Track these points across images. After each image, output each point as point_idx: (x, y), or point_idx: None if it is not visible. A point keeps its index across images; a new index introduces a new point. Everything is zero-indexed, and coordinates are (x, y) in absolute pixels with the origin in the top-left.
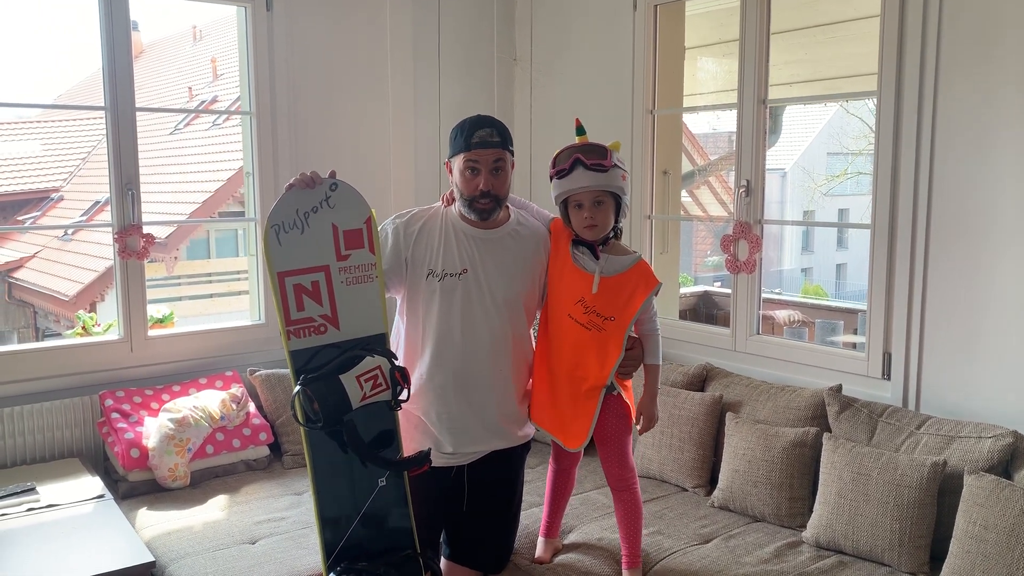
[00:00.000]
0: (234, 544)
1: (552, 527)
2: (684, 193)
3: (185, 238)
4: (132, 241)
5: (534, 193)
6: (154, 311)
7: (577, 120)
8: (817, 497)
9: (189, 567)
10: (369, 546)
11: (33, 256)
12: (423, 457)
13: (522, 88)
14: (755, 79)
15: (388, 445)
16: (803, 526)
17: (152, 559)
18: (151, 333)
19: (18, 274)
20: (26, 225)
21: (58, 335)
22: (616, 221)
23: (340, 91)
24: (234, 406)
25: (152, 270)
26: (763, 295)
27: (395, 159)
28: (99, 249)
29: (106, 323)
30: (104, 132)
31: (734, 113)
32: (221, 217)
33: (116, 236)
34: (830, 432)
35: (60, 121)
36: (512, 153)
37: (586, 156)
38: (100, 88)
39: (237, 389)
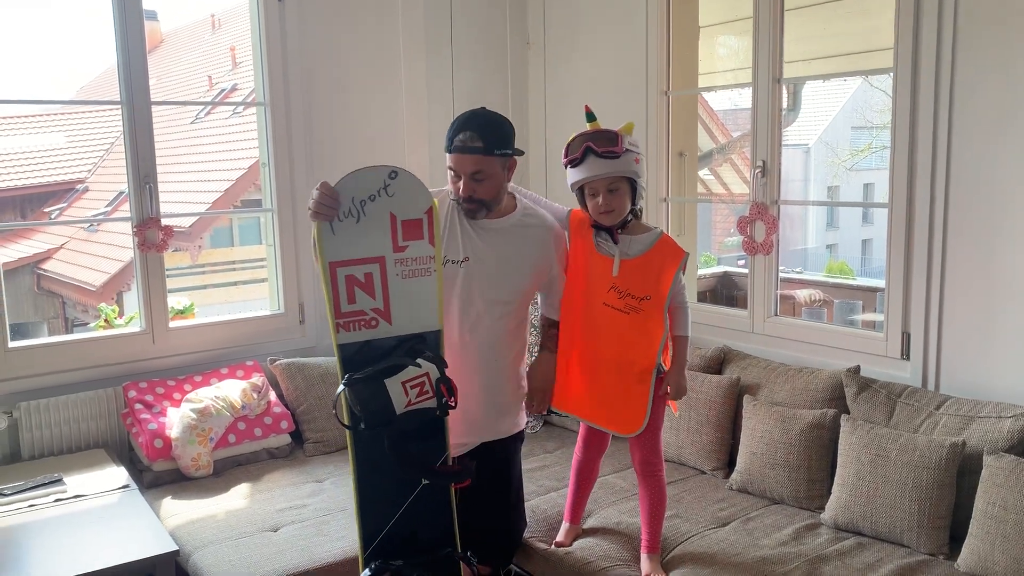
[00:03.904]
0: (257, 532)
1: (575, 513)
2: (706, 172)
3: (209, 226)
4: (151, 234)
5: (550, 179)
6: (174, 302)
7: (587, 107)
8: (835, 479)
9: (212, 555)
10: (408, 544)
11: (60, 247)
12: (467, 472)
13: (536, 72)
14: (769, 57)
15: (435, 451)
16: (821, 508)
17: (176, 548)
18: (172, 324)
19: (46, 265)
20: (50, 219)
21: (86, 325)
22: (633, 203)
23: (353, 80)
24: (255, 395)
25: (176, 259)
26: (784, 275)
27: (409, 147)
28: (124, 239)
29: (128, 315)
30: (121, 126)
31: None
32: (242, 206)
33: (135, 229)
34: (848, 414)
35: (84, 113)
36: (505, 154)
37: (597, 144)
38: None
39: (258, 378)
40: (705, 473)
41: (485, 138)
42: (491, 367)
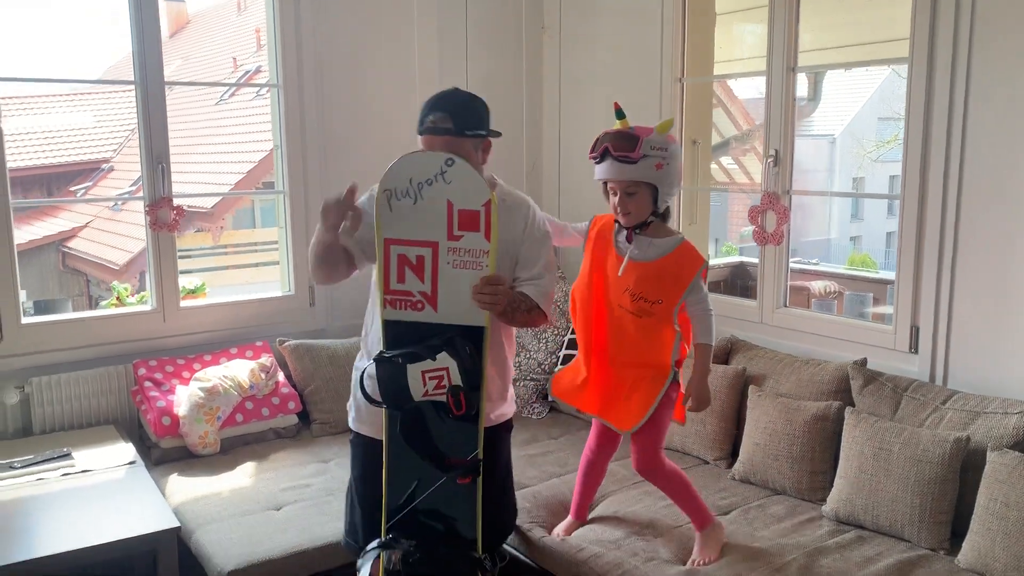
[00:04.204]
0: (259, 510)
1: (581, 510)
2: (730, 160)
3: (231, 207)
4: (163, 214)
5: (563, 165)
6: (186, 282)
7: (616, 104)
8: (837, 471)
9: (215, 532)
10: (427, 529)
11: (85, 226)
12: (474, 465)
13: (551, 57)
14: (784, 46)
15: (465, 444)
16: (823, 500)
17: (177, 524)
18: (183, 304)
19: (71, 243)
20: (75, 198)
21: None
22: (656, 207)
23: (366, 64)
24: (263, 375)
25: (199, 239)
26: (800, 266)
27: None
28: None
29: (140, 295)
30: (136, 107)
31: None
32: (263, 187)
33: (147, 209)
34: (854, 406)
35: (110, 93)
36: (478, 135)
37: (615, 147)
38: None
39: (267, 359)
40: (708, 463)
41: (456, 119)
42: None
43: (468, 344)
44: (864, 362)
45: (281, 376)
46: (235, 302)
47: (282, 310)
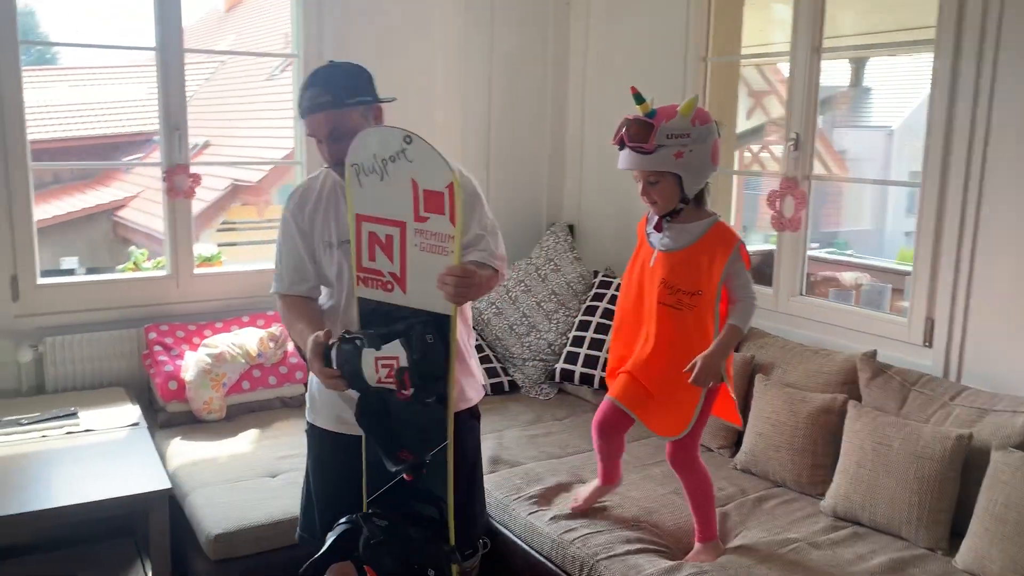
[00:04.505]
0: (254, 477)
1: (607, 472)
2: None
3: (277, 182)
4: (179, 181)
5: (586, 143)
6: (203, 250)
7: (633, 88)
8: (837, 466)
9: (208, 496)
10: (400, 511)
11: (135, 196)
12: (416, 466)
13: (577, 33)
14: (810, 26)
15: (434, 435)
16: (823, 495)
17: (168, 486)
18: (197, 271)
19: (122, 213)
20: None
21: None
22: (684, 193)
23: (388, 37)
24: (271, 344)
25: (245, 212)
26: (836, 256)
27: (443, 111)
28: (200, 192)
29: (156, 260)
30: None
31: (831, 62)
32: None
33: (164, 175)
34: (860, 399)
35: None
36: (363, 103)
37: (630, 136)
38: (210, 30)
39: (276, 328)
40: (712, 451)
41: (333, 90)
42: None
43: (431, 332)
44: (873, 354)
45: (291, 346)
46: (249, 271)
47: None
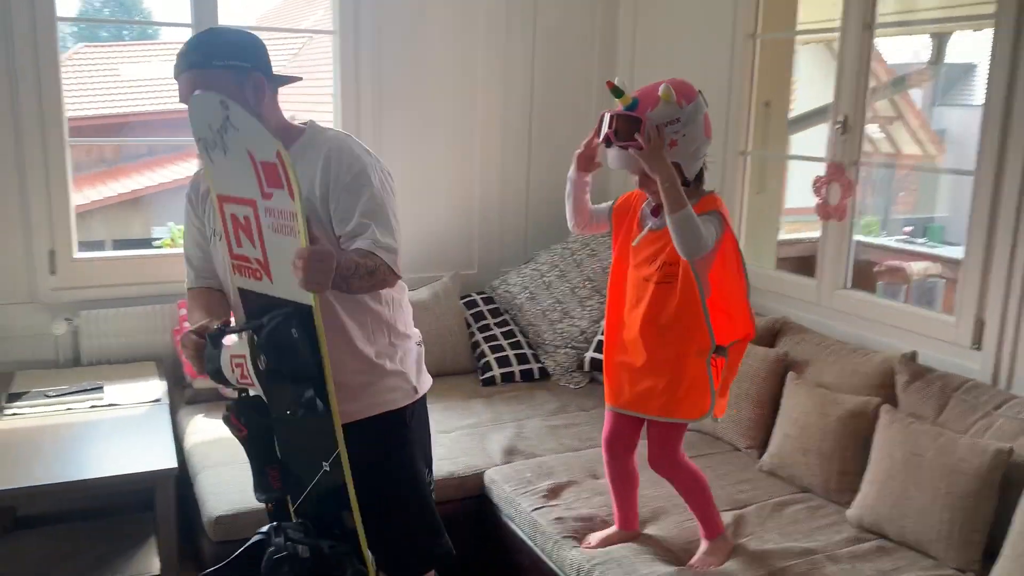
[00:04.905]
0: None
1: (622, 518)
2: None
3: None
4: None
5: None
6: None
7: (610, 83)
8: (865, 474)
9: (216, 476)
10: (319, 521)
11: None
12: (280, 496)
13: (627, 7)
14: (861, 1)
15: (324, 442)
16: (851, 504)
17: (174, 466)
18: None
19: None
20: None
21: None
22: (684, 176)
23: (428, 11)
24: None
25: None
26: (907, 246)
27: (483, 86)
28: None
29: None
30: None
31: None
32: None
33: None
34: (896, 403)
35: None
36: (235, 67)
37: (619, 136)
38: (299, 6)
39: None
40: (739, 451)
41: (201, 49)
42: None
43: (295, 326)
44: (913, 356)
45: None
46: None
47: None
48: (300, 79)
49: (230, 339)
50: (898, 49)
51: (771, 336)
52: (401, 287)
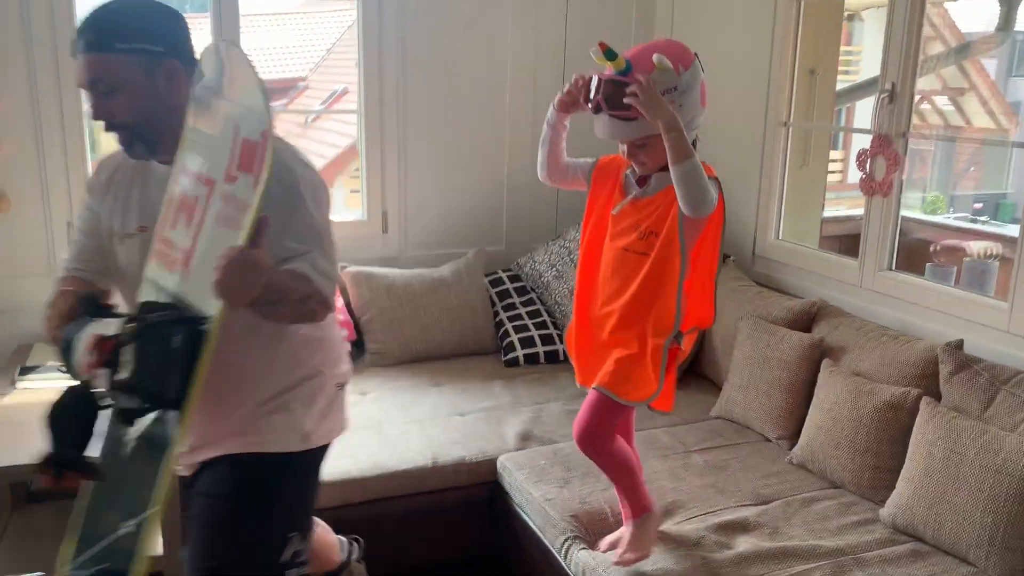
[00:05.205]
0: None
1: (631, 505)
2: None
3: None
4: None
5: None
6: None
7: (602, 44)
8: (902, 471)
9: None
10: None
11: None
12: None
13: None
14: None
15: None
16: (885, 502)
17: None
18: None
19: None
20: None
21: None
22: None
23: None
24: None
25: None
26: (969, 224)
27: (513, 51)
28: (334, 137)
29: None
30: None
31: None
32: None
33: None
34: (939, 396)
35: (313, 13)
36: (142, 52)
37: (610, 102)
38: None
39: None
40: (769, 441)
41: (101, 28)
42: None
43: (180, 335)
44: (959, 344)
45: (340, 302)
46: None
47: (353, 235)
48: (193, 62)
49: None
50: (973, 15)
51: (807, 320)
52: (330, 319)
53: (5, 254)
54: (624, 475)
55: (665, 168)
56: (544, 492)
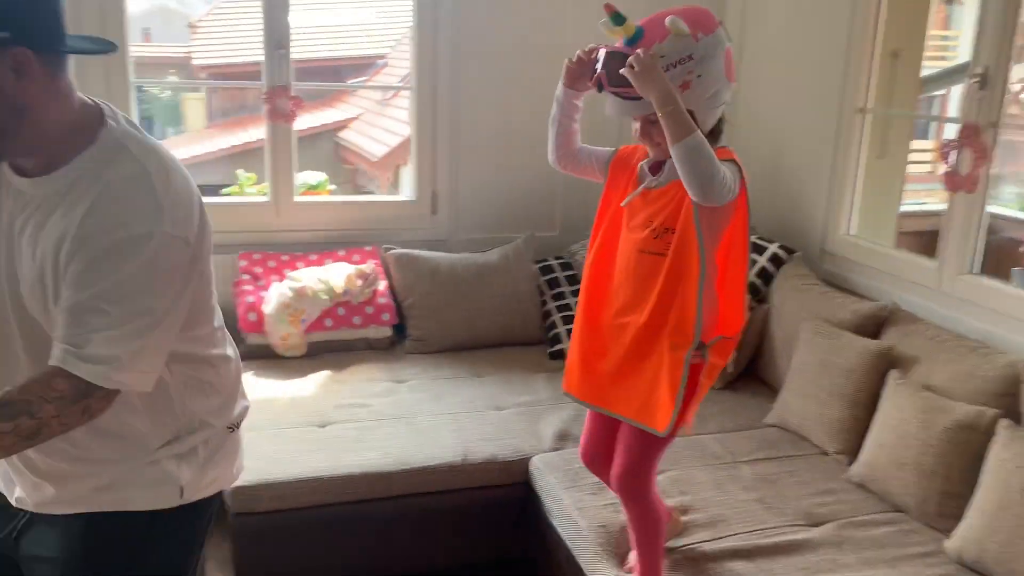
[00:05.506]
0: (304, 424)
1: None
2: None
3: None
4: (281, 104)
5: (748, 79)
6: (309, 178)
7: (608, 6)
8: (973, 499)
9: (246, 442)
10: None
11: (355, 118)
12: None
13: None
14: None
15: None
16: (951, 532)
17: None
18: (298, 199)
19: (342, 133)
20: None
21: (371, 192)
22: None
23: None
24: (359, 282)
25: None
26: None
27: (572, 27)
28: (408, 115)
29: (259, 186)
30: None
31: None
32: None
33: (265, 97)
34: (1019, 417)
35: None
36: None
37: (610, 79)
38: None
39: (368, 266)
40: (827, 455)
41: None
42: None
43: None
44: None
45: (382, 285)
46: (353, 202)
47: (401, 216)
48: (112, 48)
49: None
50: None
51: (875, 325)
52: (221, 350)
53: None
54: (649, 533)
55: None
56: (576, 499)
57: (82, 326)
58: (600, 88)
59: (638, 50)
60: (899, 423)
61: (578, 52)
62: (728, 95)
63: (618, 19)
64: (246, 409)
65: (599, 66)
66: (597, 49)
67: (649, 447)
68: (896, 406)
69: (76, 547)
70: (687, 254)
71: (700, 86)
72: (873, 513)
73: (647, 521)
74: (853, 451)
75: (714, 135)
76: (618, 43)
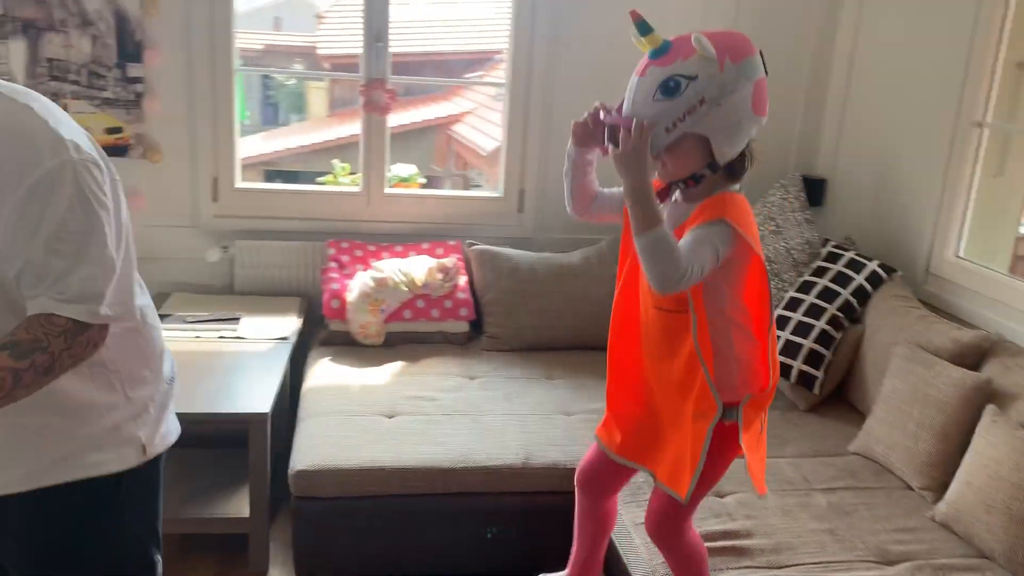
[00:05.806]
0: (372, 414)
1: (576, 565)
2: None
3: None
4: (376, 96)
5: (853, 82)
6: (401, 171)
7: (634, 12)
8: None
9: (315, 426)
10: None
11: (469, 112)
12: None
13: None
14: None
15: None
16: None
17: (267, 411)
18: (389, 191)
19: (455, 127)
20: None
21: (479, 187)
22: (713, 161)
23: None
24: (440, 276)
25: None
26: None
27: (675, 26)
28: None
29: (353, 176)
30: None
31: None
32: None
33: (362, 89)
34: None
35: None
36: None
37: (612, 144)
38: None
39: (450, 260)
40: (911, 490)
41: None
42: None
43: None
44: None
45: (463, 280)
46: (442, 196)
47: (488, 212)
48: None
49: None
50: None
51: (976, 356)
52: (144, 307)
53: (152, 204)
54: (690, 572)
55: (688, 186)
56: (634, 516)
57: (49, 274)
58: (622, 104)
59: (633, 123)
60: (992, 463)
61: (586, 114)
62: (754, 130)
63: (644, 28)
64: (173, 364)
65: (606, 137)
66: (599, 111)
67: (676, 512)
68: (990, 444)
69: (42, 523)
70: (701, 312)
71: (718, 115)
72: (955, 556)
73: (684, 562)
74: (940, 488)
75: (732, 172)
76: (615, 107)
